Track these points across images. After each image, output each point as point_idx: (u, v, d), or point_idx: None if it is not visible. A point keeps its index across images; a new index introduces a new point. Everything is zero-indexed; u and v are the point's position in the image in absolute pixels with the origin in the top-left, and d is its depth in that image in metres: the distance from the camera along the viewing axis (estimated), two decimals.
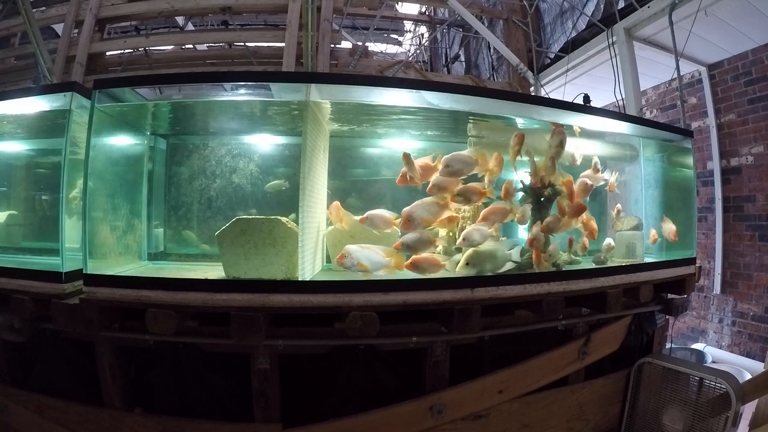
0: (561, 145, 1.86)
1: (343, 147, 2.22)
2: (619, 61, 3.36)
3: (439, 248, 1.97)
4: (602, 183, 2.15)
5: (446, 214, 1.72)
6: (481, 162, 1.73)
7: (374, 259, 1.61)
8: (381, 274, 1.61)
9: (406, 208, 1.64)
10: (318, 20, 3.77)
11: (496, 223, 1.75)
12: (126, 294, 1.48)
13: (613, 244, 2.23)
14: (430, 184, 1.68)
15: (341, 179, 2.20)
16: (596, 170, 2.11)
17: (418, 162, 1.69)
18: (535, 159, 1.86)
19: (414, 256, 1.63)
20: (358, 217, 1.76)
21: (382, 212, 1.73)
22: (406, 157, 1.65)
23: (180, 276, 1.68)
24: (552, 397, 1.93)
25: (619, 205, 2.32)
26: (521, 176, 1.89)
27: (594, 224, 2.05)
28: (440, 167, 1.67)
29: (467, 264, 1.66)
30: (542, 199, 1.89)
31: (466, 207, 1.95)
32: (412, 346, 1.66)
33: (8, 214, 2.27)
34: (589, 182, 1.98)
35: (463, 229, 1.80)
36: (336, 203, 1.88)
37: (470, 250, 1.69)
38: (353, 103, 1.90)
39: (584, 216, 1.99)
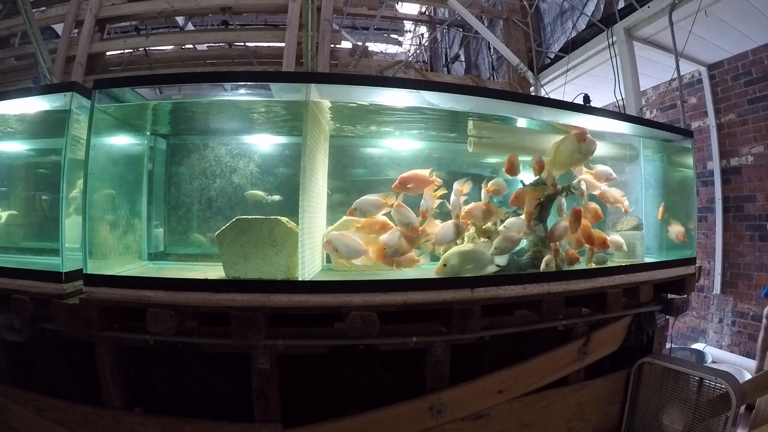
0: (588, 154, 1.82)
1: (343, 147, 2.22)
2: (619, 61, 3.35)
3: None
4: (598, 192, 2.12)
5: (423, 238, 1.77)
6: (465, 189, 1.84)
7: (352, 246, 1.64)
8: (380, 273, 1.62)
9: (383, 237, 1.67)
10: (318, 20, 3.77)
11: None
12: (126, 294, 1.48)
13: (621, 241, 2.13)
14: (397, 223, 1.69)
15: (341, 179, 2.19)
16: (598, 177, 2.08)
17: (415, 173, 1.73)
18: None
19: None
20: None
21: (368, 197, 1.70)
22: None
23: (180, 276, 1.67)
24: (552, 397, 1.93)
25: (626, 202, 2.28)
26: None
27: (602, 236, 2.00)
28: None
29: (444, 265, 1.65)
30: (542, 199, 1.89)
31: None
32: (412, 346, 1.66)
33: (8, 214, 2.27)
34: (584, 187, 1.97)
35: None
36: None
37: (448, 252, 1.69)
38: (353, 103, 1.89)
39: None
